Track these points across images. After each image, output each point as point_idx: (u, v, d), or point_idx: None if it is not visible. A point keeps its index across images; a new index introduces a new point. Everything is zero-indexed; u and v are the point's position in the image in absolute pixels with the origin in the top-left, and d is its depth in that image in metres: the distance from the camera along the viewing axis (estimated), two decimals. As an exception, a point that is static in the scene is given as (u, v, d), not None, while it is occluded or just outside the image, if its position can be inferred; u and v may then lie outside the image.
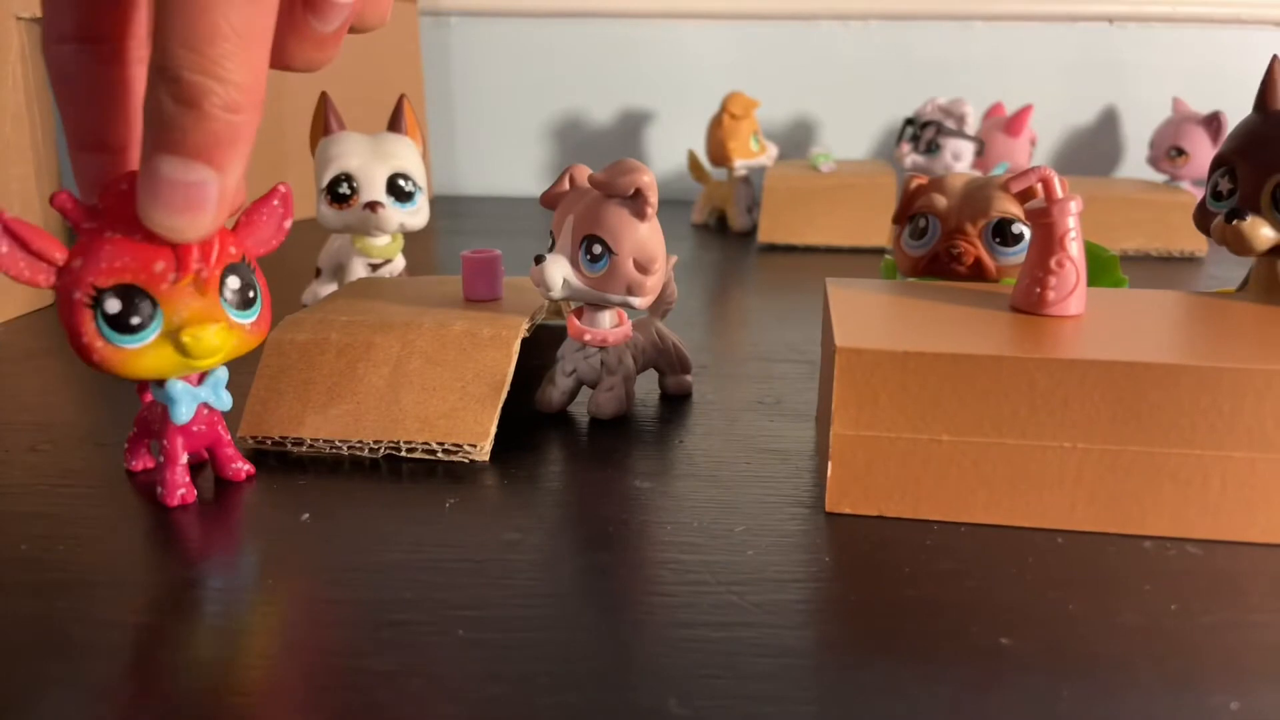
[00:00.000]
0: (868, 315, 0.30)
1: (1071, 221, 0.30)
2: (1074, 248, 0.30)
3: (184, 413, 0.28)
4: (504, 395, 0.32)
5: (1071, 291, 0.30)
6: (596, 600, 0.24)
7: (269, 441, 0.32)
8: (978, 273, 0.36)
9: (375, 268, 0.46)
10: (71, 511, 0.29)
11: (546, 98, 0.93)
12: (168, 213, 0.24)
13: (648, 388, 0.39)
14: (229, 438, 0.30)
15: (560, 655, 0.22)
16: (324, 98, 0.44)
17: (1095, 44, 0.85)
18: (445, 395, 0.32)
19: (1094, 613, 0.24)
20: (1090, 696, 0.21)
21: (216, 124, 0.22)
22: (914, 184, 0.38)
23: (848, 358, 0.27)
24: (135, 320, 0.25)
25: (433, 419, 0.32)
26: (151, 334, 0.25)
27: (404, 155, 0.44)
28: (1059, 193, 0.30)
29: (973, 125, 0.67)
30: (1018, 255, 0.35)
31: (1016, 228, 0.35)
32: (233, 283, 0.27)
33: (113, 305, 0.25)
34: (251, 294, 0.27)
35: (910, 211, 0.38)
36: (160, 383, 0.28)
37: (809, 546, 0.27)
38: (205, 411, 0.29)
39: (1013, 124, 0.69)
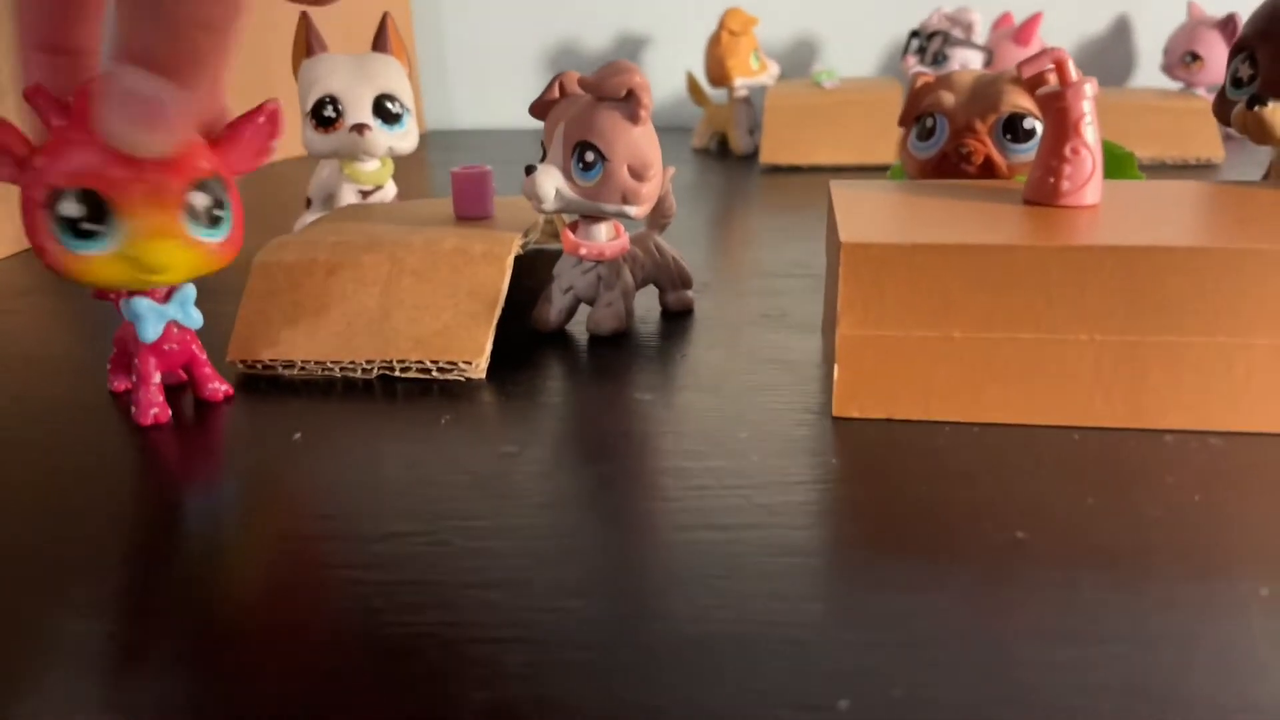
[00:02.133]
0: (874, 213, 0.29)
1: (1086, 105, 0.28)
2: (1089, 133, 0.28)
3: (151, 330, 0.28)
4: (498, 311, 0.31)
5: (1087, 180, 0.28)
6: (597, 508, 0.23)
7: (259, 365, 0.32)
8: (988, 172, 0.34)
9: (365, 195, 0.45)
10: (55, 439, 0.28)
11: (538, 24, 0.90)
12: (126, 126, 0.23)
13: (648, 305, 0.38)
14: (204, 357, 0.30)
15: (560, 561, 0.21)
16: (304, 18, 0.43)
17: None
18: (438, 313, 0.31)
19: (1113, 506, 0.23)
20: (1111, 587, 0.20)
21: (184, 38, 0.21)
22: (920, 82, 0.36)
23: (853, 253, 0.26)
24: (89, 227, 0.24)
25: (426, 337, 0.31)
26: (106, 242, 0.25)
27: (390, 75, 0.42)
28: (1073, 75, 0.29)
29: (981, 35, 0.65)
30: (1030, 152, 0.34)
31: (1028, 122, 0.33)
32: (199, 199, 0.26)
33: (70, 207, 0.24)
34: (219, 212, 0.26)
35: (917, 112, 0.36)
36: (128, 299, 0.27)
37: (816, 450, 0.26)
38: (176, 330, 0.29)
39: (1022, 33, 0.67)
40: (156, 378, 0.29)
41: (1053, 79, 0.32)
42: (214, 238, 0.26)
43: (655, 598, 0.20)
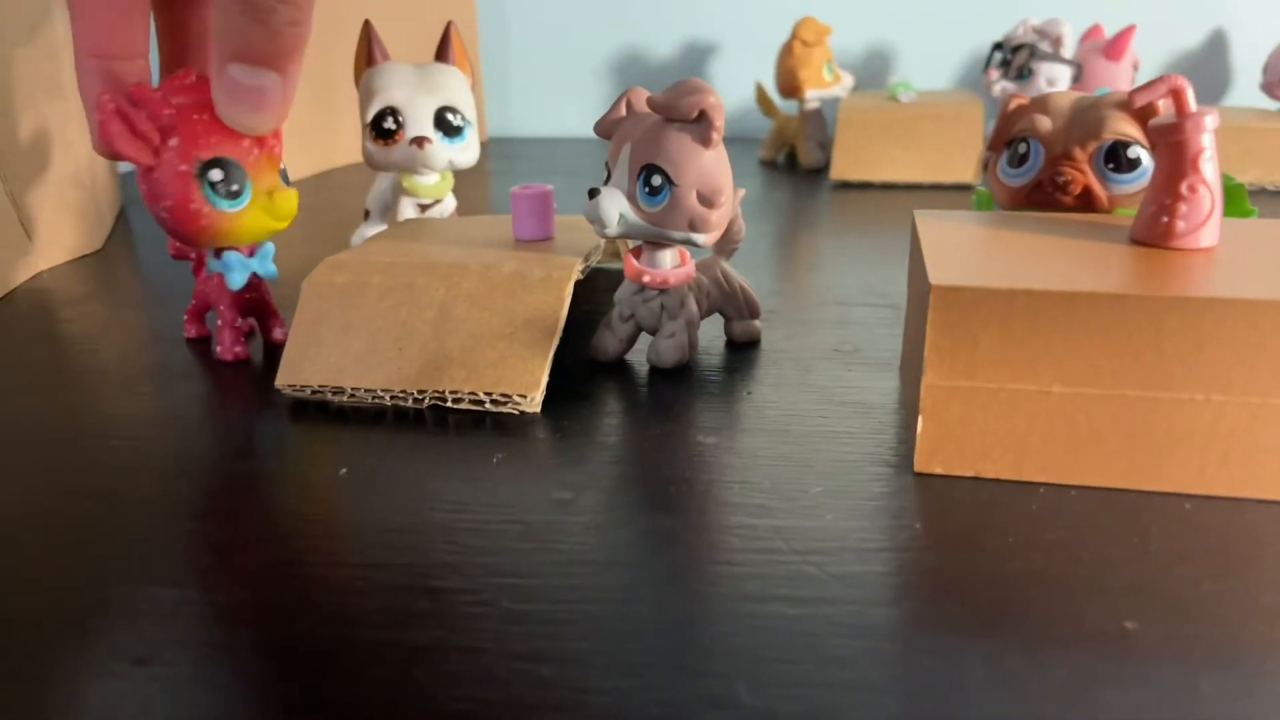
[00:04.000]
0: (964, 250, 0.27)
1: (1206, 140, 0.26)
2: (1209, 170, 0.26)
3: (238, 279, 0.33)
4: (556, 342, 0.30)
5: (1205, 221, 0.26)
6: (656, 569, 0.21)
7: (308, 391, 0.30)
8: (1087, 204, 0.32)
9: (424, 208, 0.44)
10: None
11: (605, 31, 0.89)
12: (243, 111, 0.28)
13: (712, 334, 0.36)
14: (275, 307, 0.36)
15: (615, 632, 0.19)
16: (367, 26, 0.42)
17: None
18: (493, 342, 0.30)
19: (1232, 592, 0.20)
20: (1233, 691, 0.17)
21: (281, 36, 0.26)
22: (1014, 104, 0.34)
23: (943, 296, 0.23)
24: (235, 186, 0.30)
25: (480, 367, 0.30)
26: (246, 199, 0.30)
27: (452, 87, 0.41)
28: (1192, 105, 0.26)
29: (1069, 48, 0.62)
30: (1134, 183, 0.31)
31: (1133, 151, 0.31)
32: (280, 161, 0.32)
33: (216, 174, 0.30)
34: (288, 174, 0.32)
35: (1009, 136, 0.34)
36: (218, 255, 0.33)
37: (896, 511, 0.24)
38: (255, 279, 0.34)
39: (1113, 47, 0.63)
40: (239, 323, 0.34)
41: (1163, 106, 0.29)
42: (291, 189, 0.32)
43: (718, 681, 0.18)
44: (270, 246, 0.34)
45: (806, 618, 0.20)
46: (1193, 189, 0.26)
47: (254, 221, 0.31)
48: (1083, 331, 0.23)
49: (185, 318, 0.37)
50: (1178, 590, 0.20)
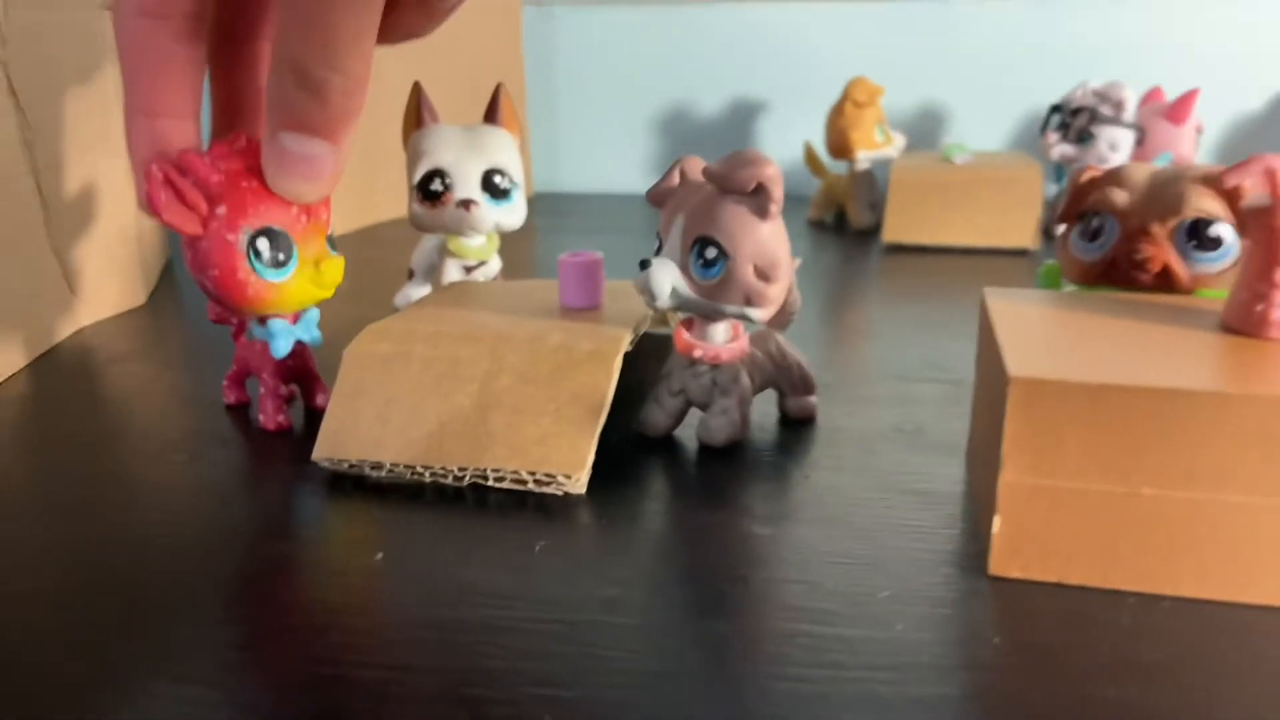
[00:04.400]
0: (1042, 335, 0.25)
1: (1307, 222, 0.24)
2: (1310, 254, 0.24)
3: (283, 346, 0.32)
4: (603, 419, 0.28)
5: (1307, 309, 0.24)
6: (711, 685, 0.20)
7: (346, 464, 0.29)
8: (1166, 283, 0.30)
9: (469, 270, 0.43)
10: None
11: (654, 88, 0.89)
12: (293, 180, 0.28)
13: (765, 410, 0.34)
14: (317, 372, 0.35)
15: (667, 760, 0.18)
16: (417, 88, 0.41)
17: (1263, 21, 0.76)
18: (537, 418, 0.28)
19: (1359, 731, 0.18)
20: None
21: (335, 107, 0.26)
22: (1086, 175, 0.32)
23: (1025, 390, 0.22)
24: (281, 256, 0.29)
25: (524, 445, 0.28)
26: (293, 268, 0.30)
27: (500, 149, 0.40)
28: (1289, 186, 0.24)
29: (1131, 111, 0.60)
30: (1217, 262, 0.29)
31: (1216, 229, 0.29)
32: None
33: (263, 244, 0.29)
34: (334, 240, 0.32)
35: (1081, 208, 0.32)
36: (262, 321, 0.32)
37: (972, 622, 0.22)
38: (299, 345, 0.34)
39: (1176, 110, 0.62)
40: (282, 390, 0.34)
41: (1245, 183, 0.28)
42: (338, 257, 0.31)
43: (783, 825, 0.16)
44: (315, 312, 0.33)
45: (879, 749, 0.18)
46: (1292, 275, 0.24)
47: (300, 290, 0.30)
48: (1179, 432, 0.21)
49: (225, 383, 0.36)
50: (1295, 727, 0.18)
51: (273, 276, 0.29)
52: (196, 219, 0.29)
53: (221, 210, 0.29)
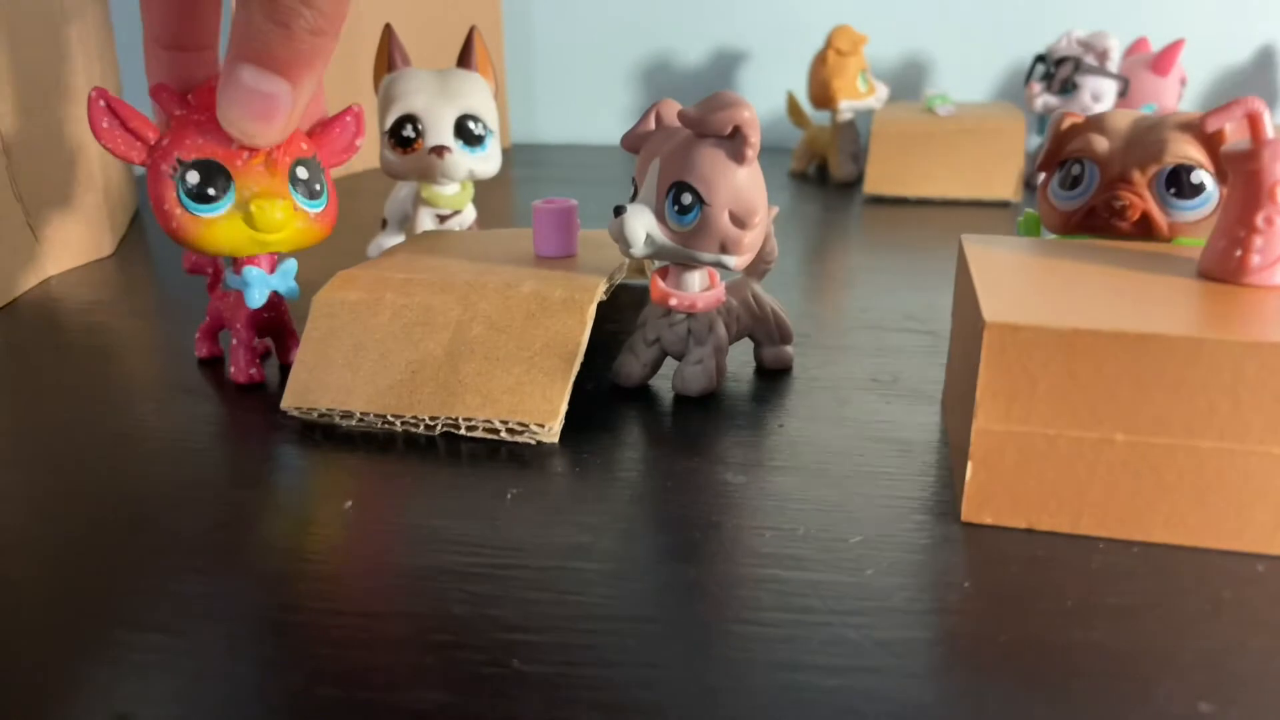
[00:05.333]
0: (1018, 282, 0.25)
1: (1287, 167, 0.24)
2: (1289, 200, 0.24)
3: (257, 297, 0.31)
4: (576, 368, 0.28)
5: (1283, 255, 0.24)
6: (680, 628, 0.20)
7: (316, 414, 0.29)
8: (1145, 231, 0.30)
9: (443, 219, 0.42)
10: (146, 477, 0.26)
11: (634, 37, 0.87)
12: (244, 118, 0.26)
13: (741, 360, 0.34)
14: (293, 326, 0.34)
15: (634, 702, 0.17)
16: (388, 31, 0.40)
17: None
18: (510, 366, 0.28)
19: (1320, 672, 0.18)
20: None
21: (300, 43, 0.25)
22: (1067, 122, 0.32)
23: (999, 335, 0.22)
24: (210, 190, 0.28)
25: (496, 393, 0.28)
26: (224, 205, 0.28)
27: (474, 94, 0.40)
28: (1269, 131, 0.24)
29: (1115, 62, 0.59)
30: (1197, 210, 0.29)
31: (1197, 176, 0.29)
32: (301, 172, 0.30)
33: (193, 176, 0.28)
34: (319, 187, 0.30)
35: (1061, 156, 0.32)
36: (238, 270, 0.31)
37: (942, 567, 0.22)
38: (275, 298, 0.32)
39: (1160, 61, 0.61)
40: (254, 341, 0.32)
41: (1226, 128, 0.27)
42: (314, 208, 0.30)
43: (749, 766, 0.16)
44: (292, 263, 0.32)
45: (845, 690, 0.18)
46: (1269, 221, 0.24)
47: (230, 232, 0.29)
48: (1152, 377, 0.21)
49: (197, 336, 0.35)
50: (1255, 666, 0.18)
51: (200, 211, 0.28)
52: (142, 148, 0.28)
53: (166, 141, 0.28)
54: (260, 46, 0.25)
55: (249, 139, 0.27)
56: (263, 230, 0.29)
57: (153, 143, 0.28)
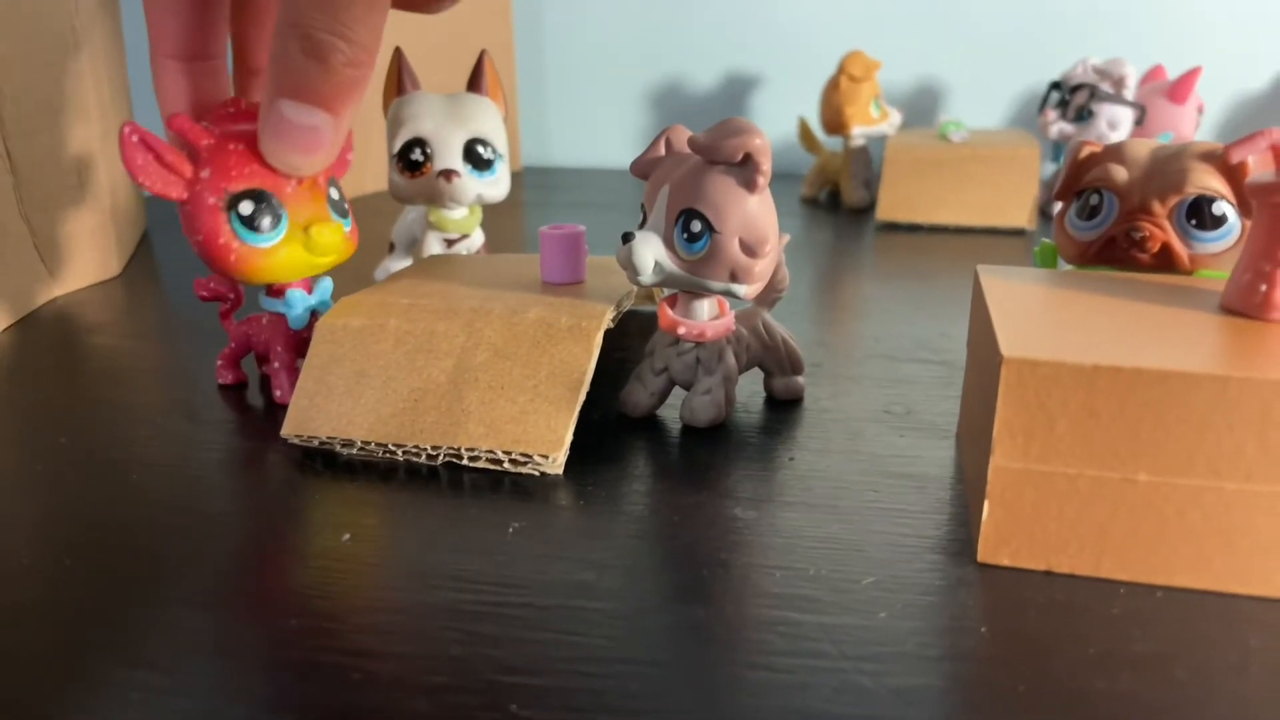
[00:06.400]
0: (1036, 315, 0.24)
1: (1314, 199, 0.23)
2: (1316, 233, 0.23)
3: (301, 316, 0.31)
4: (582, 397, 0.27)
5: (1311, 290, 0.23)
6: (687, 672, 0.19)
7: (316, 442, 0.28)
8: (1165, 262, 0.29)
9: (451, 243, 0.42)
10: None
11: (646, 62, 0.87)
12: (289, 151, 0.27)
13: (751, 390, 0.33)
14: None
15: (636, 754, 0.17)
16: (398, 54, 0.40)
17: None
18: (515, 395, 0.28)
19: (1357, 729, 0.17)
20: None
21: (339, 76, 0.25)
22: (1085, 151, 0.31)
23: (1017, 371, 0.21)
24: (267, 220, 0.28)
25: (500, 423, 0.27)
26: (280, 233, 0.28)
27: (483, 118, 0.39)
28: (1296, 162, 0.23)
29: (1131, 89, 0.59)
30: (1219, 242, 0.28)
31: (1219, 207, 0.28)
32: (333, 193, 0.30)
33: (246, 207, 0.28)
34: (346, 205, 0.31)
35: (1079, 185, 0.31)
36: (279, 294, 0.31)
37: (958, 611, 0.21)
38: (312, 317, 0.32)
39: (1177, 89, 0.60)
40: (298, 363, 0.32)
41: (1249, 159, 0.27)
42: (348, 224, 0.31)
43: (756, 824, 0.15)
44: (329, 283, 0.32)
45: (858, 743, 0.17)
46: (1297, 255, 0.23)
47: (291, 257, 0.29)
48: (1176, 416, 0.20)
49: (219, 363, 0.34)
50: (1290, 724, 0.18)
51: (257, 241, 0.28)
52: (179, 182, 0.28)
53: (206, 173, 0.28)
54: (299, 81, 0.25)
55: (294, 171, 0.28)
56: (322, 254, 0.29)
57: (189, 176, 0.28)
